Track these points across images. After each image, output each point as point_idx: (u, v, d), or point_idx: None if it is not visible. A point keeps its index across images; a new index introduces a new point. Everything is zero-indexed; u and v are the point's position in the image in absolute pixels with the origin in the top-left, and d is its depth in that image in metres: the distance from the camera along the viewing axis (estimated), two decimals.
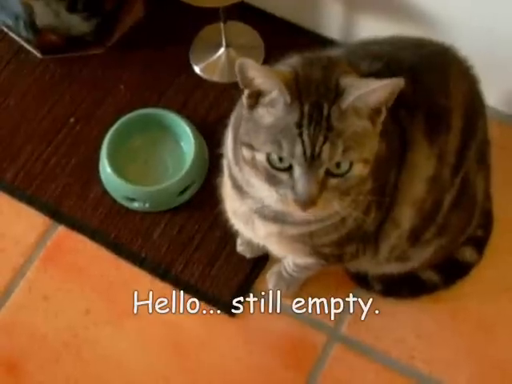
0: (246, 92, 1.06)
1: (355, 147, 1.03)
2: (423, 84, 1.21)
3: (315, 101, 1.03)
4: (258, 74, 1.04)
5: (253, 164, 1.08)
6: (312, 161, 1.02)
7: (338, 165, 1.04)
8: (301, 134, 1.02)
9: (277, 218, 1.20)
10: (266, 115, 1.05)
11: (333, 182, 1.05)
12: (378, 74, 1.13)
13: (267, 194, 1.10)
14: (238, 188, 1.21)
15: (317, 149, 1.02)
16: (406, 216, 1.25)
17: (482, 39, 1.59)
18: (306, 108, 1.03)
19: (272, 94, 1.05)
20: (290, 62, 1.10)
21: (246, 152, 1.08)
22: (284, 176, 1.05)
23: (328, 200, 1.06)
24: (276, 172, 1.05)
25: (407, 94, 1.16)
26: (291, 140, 1.02)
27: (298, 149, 1.02)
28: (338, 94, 1.03)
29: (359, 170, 1.06)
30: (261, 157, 1.05)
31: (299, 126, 1.02)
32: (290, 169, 1.04)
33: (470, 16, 1.59)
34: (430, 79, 1.23)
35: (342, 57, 1.18)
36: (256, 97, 1.06)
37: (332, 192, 1.06)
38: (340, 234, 1.24)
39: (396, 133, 1.18)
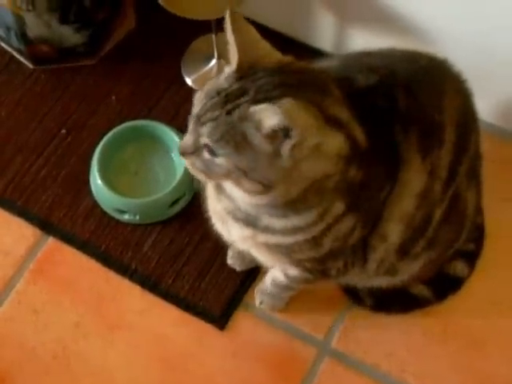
0: None
1: (232, 149, 1.06)
2: (417, 99, 1.21)
3: (242, 87, 1.07)
4: None
5: None
6: (197, 125, 1.09)
7: (211, 149, 1.08)
8: (208, 101, 1.09)
9: (248, 221, 1.21)
10: None
11: (204, 154, 1.10)
12: (374, 88, 1.15)
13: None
14: (216, 185, 1.24)
15: (204, 118, 1.08)
16: (393, 231, 1.25)
17: (473, 51, 1.59)
18: (235, 86, 1.08)
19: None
20: None
21: None
22: None
23: (194, 165, 1.13)
24: None
25: (401, 109, 1.18)
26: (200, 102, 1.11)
27: (196, 109, 1.11)
28: (257, 100, 1.06)
29: (223, 170, 1.09)
30: None
31: (218, 93, 1.08)
32: None
33: (461, 28, 1.59)
34: (425, 94, 1.23)
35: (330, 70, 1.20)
36: None
37: (201, 162, 1.11)
38: (319, 253, 1.24)
39: (387, 151, 1.18)
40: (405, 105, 1.18)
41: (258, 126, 1.03)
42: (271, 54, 1.11)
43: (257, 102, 1.05)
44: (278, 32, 1.87)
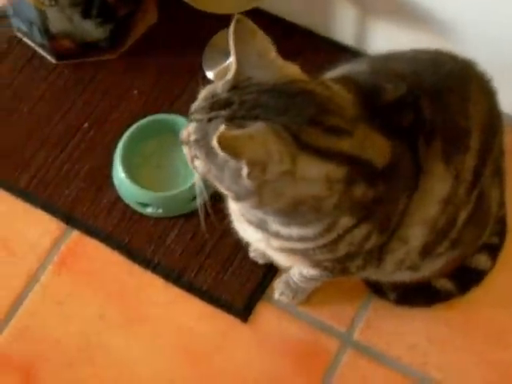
0: None
1: (203, 155, 1.09)
2: (443, 106, 1.21)
3: (230, 98, 1.08)
4: None
5: None
6: (197, 121, 1.10)
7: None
8: (202, 101, 1.11)
9: (260, 224, 1.22)
10: None
11: (191, 149, 1.12)
12: (402, 99, 1.17)
13: None
14: None
15: (193, 117, 1.12)
16: (415, 235, 1.24)
17: (495, 45, 1.59)
18: (224, 96, 1.09)
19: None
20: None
21: None
22: None
23: (187, 156, 1.14)
24: None
25: (426, 119, 1.17)
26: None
27: (195, 104, 1.13)
28: (234, 116, 1.06)
29: (201, 169, 1.12)
30: None
31: (212, 97, 1.10)
32: None
33: (485, 22, 1.59)
34: (450, 100, 1.22)
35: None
36: None
37: (189, 155, 1.13)
38: (336, 256, 1.24)
39: (409, 164, 1.17)
40: (430, 113, 1.18)
41: None
42: (280, 68, 1.10)
43: (232, 118, 1.06)
44: (299, 25, 1.88)
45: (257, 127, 1.03)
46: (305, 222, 1.16)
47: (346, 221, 1.16)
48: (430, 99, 1.18)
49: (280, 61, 1.11)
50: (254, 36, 1.09)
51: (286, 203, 1.10)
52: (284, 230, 1.19)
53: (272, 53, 1.10)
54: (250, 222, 1.24)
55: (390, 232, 1.22)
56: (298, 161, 1.05)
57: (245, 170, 1.03)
